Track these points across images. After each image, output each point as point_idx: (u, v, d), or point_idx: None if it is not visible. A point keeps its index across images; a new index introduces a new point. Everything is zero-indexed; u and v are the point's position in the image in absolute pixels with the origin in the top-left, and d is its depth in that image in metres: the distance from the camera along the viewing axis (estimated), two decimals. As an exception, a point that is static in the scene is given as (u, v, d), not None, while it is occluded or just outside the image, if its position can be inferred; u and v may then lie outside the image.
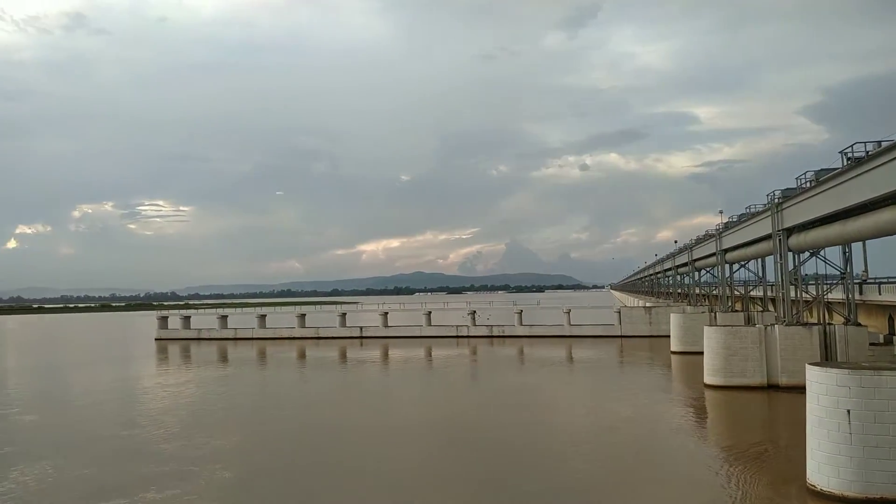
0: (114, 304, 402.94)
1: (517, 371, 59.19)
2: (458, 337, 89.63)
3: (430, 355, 71.11)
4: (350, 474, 24.62)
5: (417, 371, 59.20)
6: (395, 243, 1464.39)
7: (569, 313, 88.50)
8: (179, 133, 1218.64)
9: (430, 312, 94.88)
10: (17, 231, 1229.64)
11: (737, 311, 63.59)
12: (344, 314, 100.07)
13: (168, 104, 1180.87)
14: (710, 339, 43.60)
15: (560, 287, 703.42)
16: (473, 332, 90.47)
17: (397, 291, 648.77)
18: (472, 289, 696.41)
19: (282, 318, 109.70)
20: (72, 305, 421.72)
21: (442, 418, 35.51)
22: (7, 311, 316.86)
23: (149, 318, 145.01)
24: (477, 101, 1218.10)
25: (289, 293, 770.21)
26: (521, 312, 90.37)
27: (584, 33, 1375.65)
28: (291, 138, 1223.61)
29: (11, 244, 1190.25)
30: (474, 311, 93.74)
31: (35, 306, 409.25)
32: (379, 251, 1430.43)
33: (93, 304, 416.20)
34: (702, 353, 44.92)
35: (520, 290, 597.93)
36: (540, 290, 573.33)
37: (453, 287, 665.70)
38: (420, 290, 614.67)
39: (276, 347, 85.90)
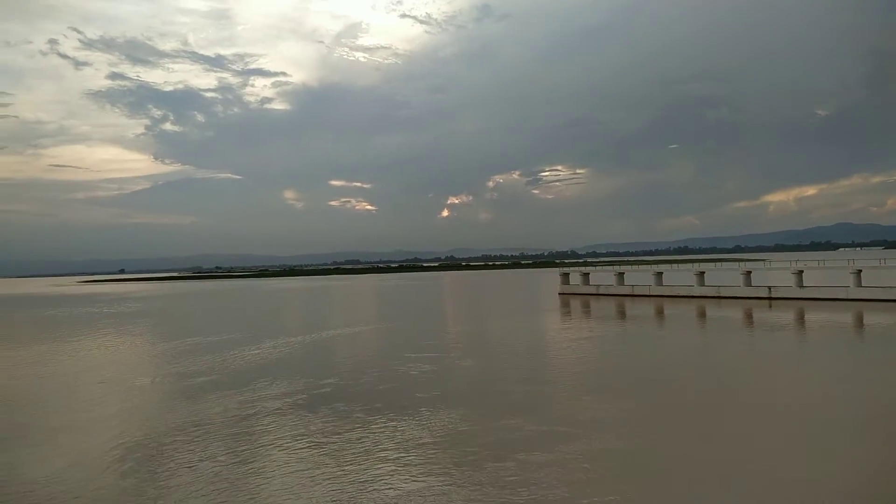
0: (523, 262, 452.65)
1: None
2: (899, 301, 73.83)
3: (862, 322, 60.03)
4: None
5: (845, 341, 50.48)
6: (810, 191, 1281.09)
7: None
8: (573, 100, 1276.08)
9: (860, 271, 79.97)
10: (449, 202, 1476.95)
11: None
12: (749, 272, 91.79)
13: (561, 74, 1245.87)
14: None
15: None
16: (923, 295, 73.12)
17: (815, 247, 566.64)
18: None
19: (679, 275, 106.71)
20: (490, 263, 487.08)
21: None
22: (443, 268, 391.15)
23: (552, 275, 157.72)
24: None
25: (685, 250, 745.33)
26: None
27: None
28: (682, 88, 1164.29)
29: (445, 213, 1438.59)
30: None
31: (463, 263, 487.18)
32: (790, 201, 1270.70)
33: (507, 262, 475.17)
34: None
35: None
36: None
37: (894, 240, 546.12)
38: (846, 245, 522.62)
39: (674, 305, 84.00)
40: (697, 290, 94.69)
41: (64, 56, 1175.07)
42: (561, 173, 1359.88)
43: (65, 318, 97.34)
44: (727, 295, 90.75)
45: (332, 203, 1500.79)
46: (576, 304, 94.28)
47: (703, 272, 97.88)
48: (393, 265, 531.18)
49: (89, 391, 37.26)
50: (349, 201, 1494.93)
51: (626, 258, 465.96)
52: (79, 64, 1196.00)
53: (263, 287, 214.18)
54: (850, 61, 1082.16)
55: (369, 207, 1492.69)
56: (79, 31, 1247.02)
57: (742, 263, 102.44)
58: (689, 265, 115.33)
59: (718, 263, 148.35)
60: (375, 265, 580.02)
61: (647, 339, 53.86)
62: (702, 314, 72.77)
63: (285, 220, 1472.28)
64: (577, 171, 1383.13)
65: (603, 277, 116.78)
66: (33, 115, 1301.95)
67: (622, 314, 76.59)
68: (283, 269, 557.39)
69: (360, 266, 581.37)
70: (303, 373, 40.68)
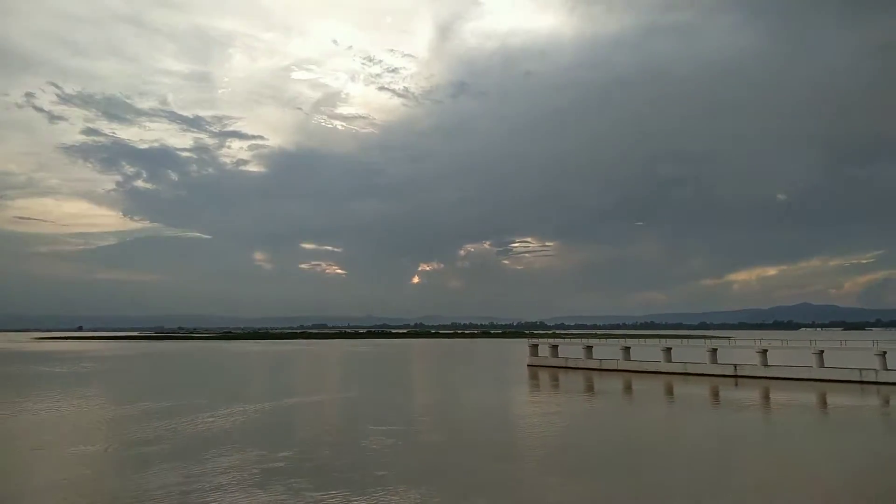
0: (492, 332, 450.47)
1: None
2: (861, 382, 74.50)
3: (825, 403, 60.15)
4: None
5: (817, 421, 50.29)
6: (771, 271, 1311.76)
7: None
8: (544, 175, 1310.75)
9: (822, 351, 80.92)
10: (420, 269, 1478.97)
11: None
12: (714, 349, 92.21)
13: (535, 150, 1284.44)
14: None
15: None
16: (884, 377, 73.96)
17: (777, 326, 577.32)
18: (877, 324, 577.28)
19: (646, 350, 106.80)
20: (459, 332, 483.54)
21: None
22: (412, 335, 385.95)
23: (521, 345, 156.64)
24: (872, 101, 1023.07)
25: (652, 325, 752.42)
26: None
27: None
28: (653, 168, 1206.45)
29: (416, 280, 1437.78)
30: (885, 352, 76.61)
31: (433, 331, 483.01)
32: (752, 280, 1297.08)
33: (475, 331, 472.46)
34: None
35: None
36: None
37: (851, 322, 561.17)
38: (807, 325, 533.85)
39: (642, 381, 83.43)
40: (665, 367, 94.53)
41: (39, 109, 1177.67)
42: (531, 245, 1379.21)
43: (13, 377, 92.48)
44: (694, 372, 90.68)
45: (303, 266, 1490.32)
46: (544, 376, 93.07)
47: (670, 348, 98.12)
48: (361, 331, 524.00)
49: (20, 459, 34.64)
50: (319, 264, 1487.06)
51: (594, 331, 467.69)
52: (54, 118, 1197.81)
53: (226, 349, 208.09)
54: (804, 146, 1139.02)
55: (340, 271, 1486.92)
56: (57, 86, 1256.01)
57: (708, 341, 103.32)
58: (656, 341, 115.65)
59: (684, 340, 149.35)
60: (343, 330, 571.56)
61: (616, 417, 52.86)
62: (669, 391, 72.22)
63: (254, 281, 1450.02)
64: (547, 243, 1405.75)
65: (571, 350, 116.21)
66: (2, 167, 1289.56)
67: (590, 388, 75.61)
68: (248, 331, 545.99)
69: (327, 331, 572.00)
70: (257, 444, 38.59)
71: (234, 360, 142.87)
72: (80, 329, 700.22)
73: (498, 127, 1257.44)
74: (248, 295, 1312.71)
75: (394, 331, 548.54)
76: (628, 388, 75.40)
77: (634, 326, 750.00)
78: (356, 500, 26.01)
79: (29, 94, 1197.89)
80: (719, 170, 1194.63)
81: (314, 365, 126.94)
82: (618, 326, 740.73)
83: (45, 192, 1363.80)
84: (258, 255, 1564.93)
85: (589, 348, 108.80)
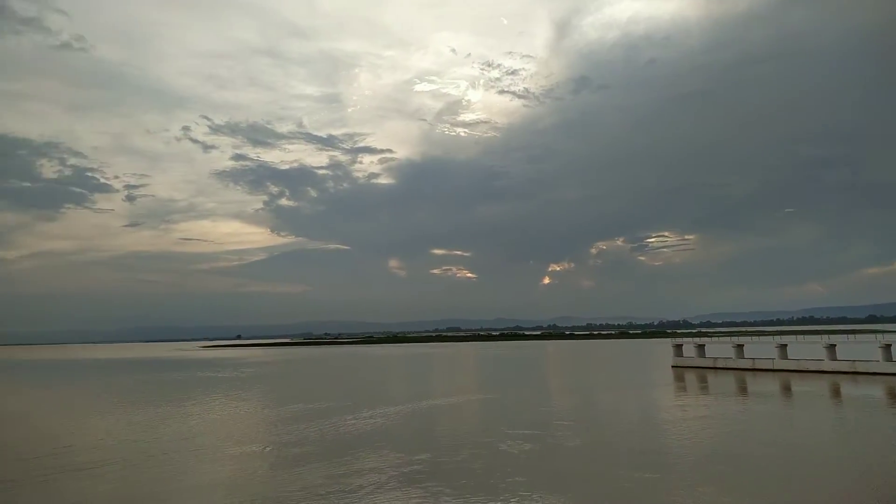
0: (630, 332, 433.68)
1: None
2: None
3: None
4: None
5: None
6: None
7: None
8: (677, 166, 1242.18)
9: None
10: (550, 269, 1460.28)
11: None
12: (888, 345, 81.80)
13: (664, 140, 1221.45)
14: None
15: None
16: None
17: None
18: None
19: (806, 348, 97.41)
20: (595, 332, 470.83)
21: None
22: (545, 337, 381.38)
23: (663, 346, 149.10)
24: None
25: (810, 320, 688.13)
26: None
27: None
28: (796, 149, 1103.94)
29: (546, 280, 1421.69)
30: None
31: (567, 333, 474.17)
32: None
33: (612, 332, 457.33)
34: None
35: None
36: None
37: None
38: None
39: (802, 381, 75.86)
40: (829, 365, 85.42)
41: (195, 140, 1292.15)
42: (668, 239, 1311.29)
43: (182, 383, 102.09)
44: (864, 371, 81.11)
45: (434, 271, 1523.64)
46: (691, 378, 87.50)
47: (835, 345, 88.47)
48: (494, 333, 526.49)
49: (181, 459, 37.57)
50: (450, 269, 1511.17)
51: (743, 328, 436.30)
52: (207, 147, 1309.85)
53: (368, 353, 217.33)
54: None
55: (470, 275, 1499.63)
56: (208, 119, 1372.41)
57: (880, 335, 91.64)
58: (817, 337, 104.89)
59: (851, 335, 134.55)
60: (476, 332, 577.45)
61: (775, 421, 48.09)
62: (836, 392, 64.93)
63: (390, 287, 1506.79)
64: (686, 236, 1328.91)
65: (720, 349, 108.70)
66: (167, 194, 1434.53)
67: (743, 390, 69.85)
68: (387, 335, 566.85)
69: (461, 333, 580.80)
70: (395, 446, 39.19)
71: (376, 364, 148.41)
72: (238, 337, 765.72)
73: (623, 119, 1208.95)
74: (385, 300, 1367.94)
75: (527, 332, 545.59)
76: (787, 390, 68.78)
77: (790, 322, 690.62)
78: (494, 507, 25.33)
79: (185, 128, 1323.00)
80: (874, 148, 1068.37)
81: (451, 367, 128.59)
82: (770, 323, 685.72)
83: (203, 214, 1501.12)
84: (392, 263, 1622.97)
85: (739, 346, 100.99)
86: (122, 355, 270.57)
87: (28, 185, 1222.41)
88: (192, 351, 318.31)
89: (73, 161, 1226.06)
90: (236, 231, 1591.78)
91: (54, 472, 34.46)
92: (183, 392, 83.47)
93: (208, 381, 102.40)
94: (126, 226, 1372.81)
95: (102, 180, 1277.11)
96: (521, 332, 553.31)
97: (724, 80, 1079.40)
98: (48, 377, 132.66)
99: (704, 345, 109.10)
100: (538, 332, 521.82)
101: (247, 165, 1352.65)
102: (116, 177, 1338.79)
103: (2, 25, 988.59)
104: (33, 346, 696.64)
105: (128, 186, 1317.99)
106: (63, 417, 59.88)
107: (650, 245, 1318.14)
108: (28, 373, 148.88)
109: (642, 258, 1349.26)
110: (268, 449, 40.00)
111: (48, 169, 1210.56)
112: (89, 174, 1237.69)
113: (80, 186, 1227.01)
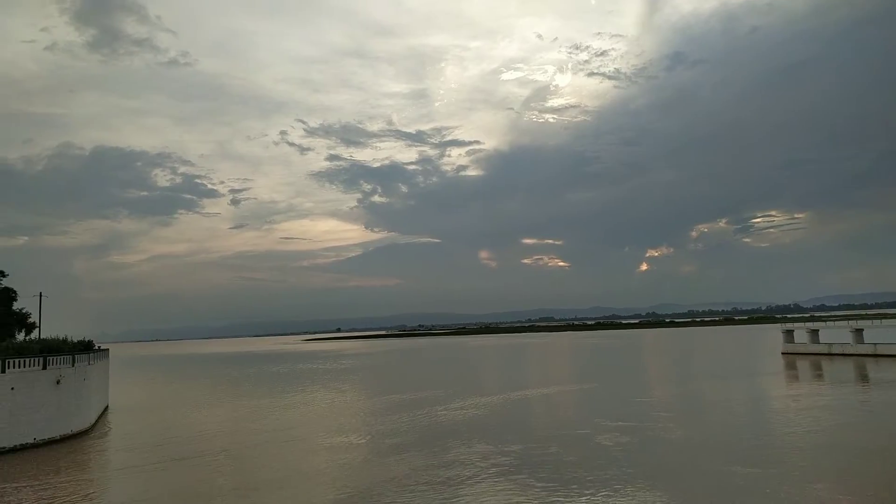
0: (736, 318, 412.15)
1: None
2: None
3: None
4: None
5: None
6: None
7: None
8: (783, 140, 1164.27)
9: None
10: (647, 255, 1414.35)
11: None
12: None
13: (767, 113, 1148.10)
14: None
15: None
16: None
17: None
18: None
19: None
20: (698, 319, 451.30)
21: None
22: (644, 325, 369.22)
23: (772, 332, 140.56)
24: None
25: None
26: None
27: None
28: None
29: (644, 266, 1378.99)
30: None
31: (667, 320, 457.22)
32: None
33: (716, 318, 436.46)
34: None
35: None
36: None
37: None
38: None
39: (936, 369, 69.09)
40: (968, 350, 77.29)
41: (292, 144, 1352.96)
42: (776, 219, 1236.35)
43: (284, 375, 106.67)
44: None
45: (525, 261, 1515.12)
46: (803, 365, 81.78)
47: (975, 328, 79.92)
48: (589, 322, 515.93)
49: (279, 451, 38.90)
50: (541, 258, 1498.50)
51: (862, 312, 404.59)
52: (304, 150, 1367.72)
53: (461, 344, 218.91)
54: None
55: (562, 264, 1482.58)
56: (303, 122, 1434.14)
57: None
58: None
59: None
60: (571, 322, 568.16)
61: (903, 412, 43.87)
62: (978, 380, 58.53)
63: (481, 278, 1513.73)
64: (796, 215, 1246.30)
65: (836, 335, 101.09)
66: (268, 196, 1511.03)
67: (863, 378, 64.44)
68: (479, 326, 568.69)
69: (554, 323, 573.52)
70: (486, 437, 38.83)
71: (469, 355, 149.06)
72: (338, 330, 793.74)
73: (721, 94, 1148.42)
74: (477, 291, 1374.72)
75: (624, 321, 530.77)
76: (917, 378, 62.81)
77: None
78: (581, 501, 24.40)
79: (283, 133, 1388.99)
80: None
81: (544, 357, 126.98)
82: (894, 305, 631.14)
83: (302, 214, 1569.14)
84: (483, 254, 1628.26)
85: (859, 331, 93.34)
86: (232, 349, 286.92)
87: (145, 193, 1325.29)
88: (295, 344, 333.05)
89: (183, 169, 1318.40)
90: (333, 228, 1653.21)
91: (167, 461, 36.63)
92: (283, 385, 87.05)
93: (310, 373, 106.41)
94: (232, 228, 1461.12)
95: (210, 186, 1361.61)
96: (618, 321, 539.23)
97: (835, 44, 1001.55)
98: (166, 372, 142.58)
99: (818, 330, 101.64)
100: (636, 321, 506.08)
101: (341, 165, 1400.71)
102: (222, 182, 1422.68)
103: (118, 48, 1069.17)
104: (153, 342, 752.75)
105: (232, 191, 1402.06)
106: (176, 410, 63.85)
107: (756, 226, 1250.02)
108: (148, 369, 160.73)
109: (747, 240, 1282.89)
110: (363, 439, 40.75)
111: (161, 178, 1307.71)
112: (198, 181, 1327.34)
113: (190, 193, 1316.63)
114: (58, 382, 44.56)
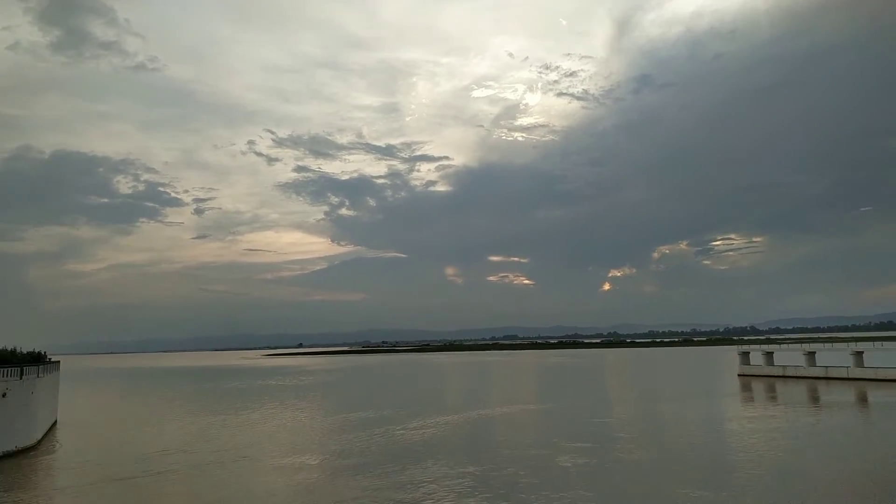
0: (695, 339, 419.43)
1: None
2: None
3: None
4: None
5: None
6: None
7: None
8: (744, 165, 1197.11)
9: None
10: (610, 275, 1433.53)
11: None
12: (982, 353, 75.80)
13: (731, 138, 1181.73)
14: None
15: None
16: None
17: None
18: None
19: (886, 355, 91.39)
20: (657, 340, 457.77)
21: None
22: (605, 345, 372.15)
23: (729, 353, 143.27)
24: None
25: (890, 325, 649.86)
26: None
27: None
28: (875, 143, 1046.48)
29: (606, 286, 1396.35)
30: None
31: (628, 340, 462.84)
32: None
33: (676, 339, 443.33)
34: None
35: None
36: None
37: None
38: None
39: (879, 390, 71.05)
40: (913, 374, 79.80)
41: (259, 154, 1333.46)
42: (735, 242, 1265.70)
43: (242, 391, 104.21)
44: (955, 380, 75.36)
45: (491, 278, 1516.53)
46: (758, 387, 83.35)
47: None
48: (552, 341, 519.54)
49: (232, 470, 37.73)
50: (507, 276, 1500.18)
51: (816, 335, 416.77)
52: (271, 160, 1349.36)
53: (424, 361, 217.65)
54: None
55: (527, 282, 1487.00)
56: (272, 132, 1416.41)
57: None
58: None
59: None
60: (534, 341, 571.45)
61: (852, 434, 44.83)
62: (923, 404, 60.35)
63: (447, 295, 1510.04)
64: (754, 239, 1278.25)
65: (790, 357, 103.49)
66: (233, 206, 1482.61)
67: (816, 400, 65.89)
68: (443, 343, 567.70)
69: (518, 342, 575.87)
70: (443, 458, 38.29)
71: (431, 373, 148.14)
72: (300, 346, 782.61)
73: (686, 117, 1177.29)
74: (442, 308, 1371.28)
75: (586, 340, 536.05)
76: (863, 400, 64.49)
77: (867, 328, 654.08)
78: (543, 525, 24.10)
79: (251, 142, 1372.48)
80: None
81: (506, 376, 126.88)
82: (846, 329, 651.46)
83: (267, 225, 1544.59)
84: (449, 270, 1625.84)
85: (811, 354, 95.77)
86: (190, 363, 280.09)
87: (106, 200, 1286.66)
88: (255, 359, 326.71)
89: (146, 177, 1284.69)
90: (298, 241, 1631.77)
91: (112, 480, 35.10)
92: (241, 401, 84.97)
93: (268, 390, 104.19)
94: (195, 238, 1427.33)
95: (173, 194, 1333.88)
96: (580, 340, 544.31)
97: (798, 72, 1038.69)
98: (120, 386, 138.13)
99: (773, 352, 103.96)
100: (598, 340, 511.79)
101: (308, 177, 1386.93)
102: (186, 191, 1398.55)
103: (84, 50, 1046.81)
104: (109, 354, 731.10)
105: (196, 200, 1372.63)
106: (127, 426, 61.61)
107: (715, 248, 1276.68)
108: (101, 382, 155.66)
109: (707, 262, 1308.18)
110: (316, 460, 39.78)
111: (124, 185, 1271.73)
112: (161, 189, 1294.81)
113: (153, 201, 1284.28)
114: (3, 395, 42.61)
